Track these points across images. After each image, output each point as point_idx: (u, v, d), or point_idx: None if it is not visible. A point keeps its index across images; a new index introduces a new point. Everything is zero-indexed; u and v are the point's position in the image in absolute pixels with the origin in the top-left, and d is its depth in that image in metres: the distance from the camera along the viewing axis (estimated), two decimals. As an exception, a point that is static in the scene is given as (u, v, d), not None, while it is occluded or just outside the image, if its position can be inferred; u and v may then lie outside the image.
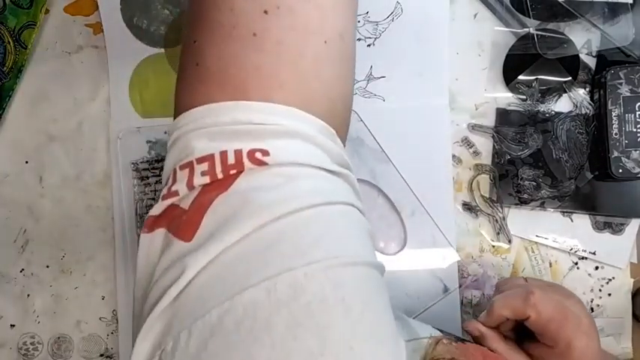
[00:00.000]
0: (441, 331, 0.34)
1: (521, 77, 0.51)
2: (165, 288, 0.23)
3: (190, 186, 0.24)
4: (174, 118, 0.27)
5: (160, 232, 0.25)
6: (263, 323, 0.21)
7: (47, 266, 0.52)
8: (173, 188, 0.25)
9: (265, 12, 0.26)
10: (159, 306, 0.23)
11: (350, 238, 0.26)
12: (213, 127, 0.25)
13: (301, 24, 0.26)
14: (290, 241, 0.23)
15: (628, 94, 0.48)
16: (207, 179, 0.24)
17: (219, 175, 0.24)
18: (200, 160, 0.25)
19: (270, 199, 0.24)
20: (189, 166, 0.25)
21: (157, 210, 0.26)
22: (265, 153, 0.25)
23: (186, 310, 0.23)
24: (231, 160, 0.24)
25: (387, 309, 0.25)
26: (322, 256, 0.23)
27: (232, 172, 0.24)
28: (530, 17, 0.50)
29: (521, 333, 0.41)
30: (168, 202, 0.25)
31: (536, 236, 0.51)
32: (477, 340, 0.41)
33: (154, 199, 0.51)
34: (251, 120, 0.25)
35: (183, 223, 0.24)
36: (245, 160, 0.24)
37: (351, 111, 0.32)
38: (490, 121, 0.52)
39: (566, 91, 0.51)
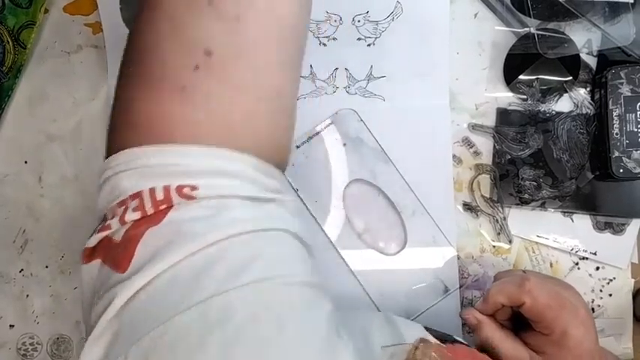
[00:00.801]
0: (435, 331, 0.34)
1: (521, 77, 0.51)
2: (99, 315, 0.24)
3: (122, 221, 0.25)
4: (105, 159, 0.28)
5: (96, 263, 0.26)
6: (197, 345, 0.22)
7: (46, 266, 0.52)
8: (106, 223, 0.26)
9: (197, 67, 0.26)
10: (94, 333, 0.24)
11: (281, 260, 0.26)
12: (142, 168, 0.26)
13: (233, 81, 0.27)
14: (221, 265, 0.24)
15: (629, 94, 0.48)
16: (138, 215, 0.25)
17: (150, 211, 0.25)
18: (132, 197, 0.26)
19: (201, 229, 0.25)
20: (122, 203, 0.26)
21: (92, 242, 0.27)
22: (194, 188, 0.25)
23: (123, 335, 0.23)
24: (159, 195, 0.25)
25: (322, 325, 0.25)
26: (253, 279, 0.24)
27: (162, 207, 0.25)
28: (530, 17, 0.50)
29: (517, 323, 0.41)
30: (102, 235, 0.26)
31: (537, 236, 0.51)
32: (474, 328, 0.41)
33: (153, 199, 0.51)
34: (179, 162, 0.26)
35: (116, 255, 0.25)
36: (174, 195, 0.25)
37: (291, 141, 0.33)
38: (490, 120, 0.51)
39: (566, 91, 0.51)
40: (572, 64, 0.50)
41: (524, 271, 0.43)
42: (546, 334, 0.38)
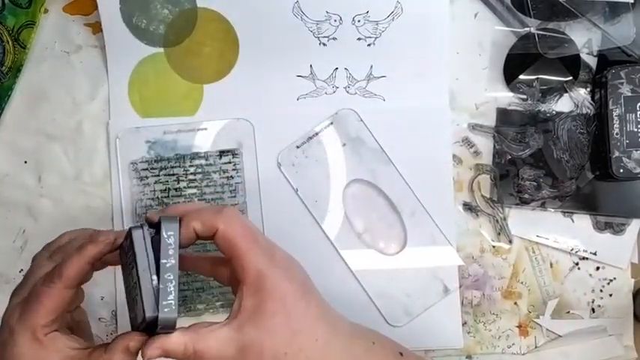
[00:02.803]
0: None
1: (521, 77, 0.51)
2: None
3: None
4: None
5: None
6: None
7: (46, 266, 0.52)
8: None
9: None
10: None
11: None
12: None
13: None
14: None
15: (629, 94, 0.48)
16: None
17: None
18: None
19: None
20: None
21: None
22: None
23: None
24: None
25: None
26: None
27: None
28: (530, 17, 0.50)
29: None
30: None
31: (537, 236, 0.51)
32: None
33: (153, 199, 0.51)
34: None
35: None
36: None
37: None
38: (491, 120, 0.51)
39: (567, 91, 0.51)
40: (572, 64, 0.50)
41: None
42: (242, 280, 0.35)
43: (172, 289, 0.33)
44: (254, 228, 0.37)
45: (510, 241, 0.51)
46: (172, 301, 0.33)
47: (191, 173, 0.51)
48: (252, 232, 0.36)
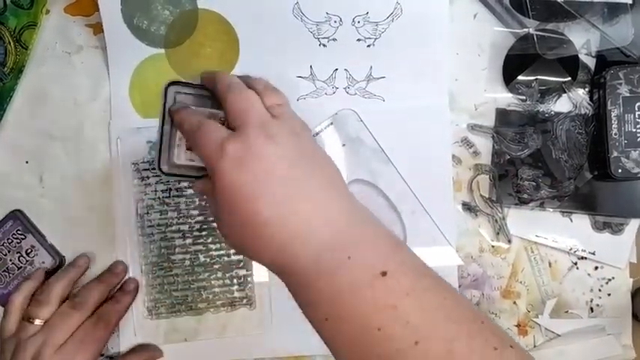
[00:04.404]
0: None
1: (520, 77, 0.51)
2: None
3: None
4: None
5: None
6: None
7: (48, 266, 0.52)
8: None
9: None
10: None
11: None
12: None
13: None
14: None
15: (627, 95, 0.48)
16: None
17: None
18: None
19: None
20: None
21: None
22: None
23: None
24: None
25: None
26: None
27: None
28: (529, 17, 0.50)
29: None
30: None
31: (536, 236, 0.51)
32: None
33: (154, 199, 0.51)
34: None
35: None
36: None
37: None
38: (490, 121, 0.52)
39: (565, 92, 0.51)
40: (570, 64, 0.50)
41: None
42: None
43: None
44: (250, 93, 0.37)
45: (509, 241, 0.51)
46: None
47: (192, 173, 0.51)
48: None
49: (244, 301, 0.51)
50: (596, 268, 0.52)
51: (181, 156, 0.39)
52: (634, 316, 0.52)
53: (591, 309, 0.52)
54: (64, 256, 0.52)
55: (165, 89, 0.40)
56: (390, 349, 0.31)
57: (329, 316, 0.32)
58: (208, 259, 0.51)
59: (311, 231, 0.33)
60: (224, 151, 0.33)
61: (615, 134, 0.48)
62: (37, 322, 0.46)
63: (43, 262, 0.51)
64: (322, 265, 0.33)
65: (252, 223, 0.33)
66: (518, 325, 0.52)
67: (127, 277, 0.51)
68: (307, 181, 0.34)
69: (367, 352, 0.31)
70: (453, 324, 0.31)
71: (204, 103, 0.40)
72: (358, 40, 0.50)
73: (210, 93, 0.40)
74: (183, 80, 0.41)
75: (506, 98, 0.52)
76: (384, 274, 0.32)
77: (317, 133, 0.51)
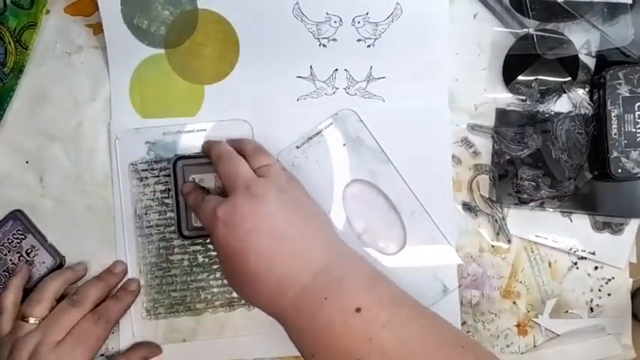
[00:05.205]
0: None
1: (520, 77, 0.51)
2: None
3: None
4: None
5: None
6: None
7: (47, 266, 0.52)
8: None
9: None
10: None
11: None
12: None
13: None
14: None
15: (627, 95, 0.48)
16: None
17: None
18: None
19: None
20: None
21: None
22: None
23: None
24: None
25: None
26: None
27: None
28: (529, 18, 0.50)
29: None
30: None
31: (536, 236, 0.51)
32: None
33: (153, 199, 0.51)
34: None
35: None
36: None
37: None
38: (490, 121, 0.52)
39: (565, 92, 0.51)
40: (570, 64, 0.50)
41: None
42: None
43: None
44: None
45: (509, 241, 0.51)
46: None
47: (192, 173, 0.51)
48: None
49: (243, 301, 0.51)
50: (596, 268, 0.52)
51: (198, 220, 0.48)
52: (634, 316, 0.52)
53: (591, 309, 0.52)
54: (64, 256, 0.52)
55: (174, 164, 0.49)
56: None
57: (315, 351, 0.37)
58: (207, 260, 0.51)
59: (292, 279, 0.38)
60: (216, 216, 0.40)
61: (615, 134, 0.48)
62: (32, 320, 0.46)
63: (43, 262, 0.51)
64: (303, 307, 0.37)
65: (243, 274, 0.39)
66: (518, 325, 0.52)
67: (126, 277, 0.51)
68: (291, 232, 0.39)
69: None
70: (431, 350, 0.34)
71: (210, 169, 0.48)
72: (358, 40, 0.50)
73: None
74: (187, 154, 0.50)
75: (506, 98, 0.52)
76: (358, 310, 0.36)
77: (317, 133, 0.51)
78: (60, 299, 0.48)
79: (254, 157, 0.44)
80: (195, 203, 0.44)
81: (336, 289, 0.37)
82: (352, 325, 0.36)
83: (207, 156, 0.47)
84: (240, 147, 0.45)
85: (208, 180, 0.49)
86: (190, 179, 0.49)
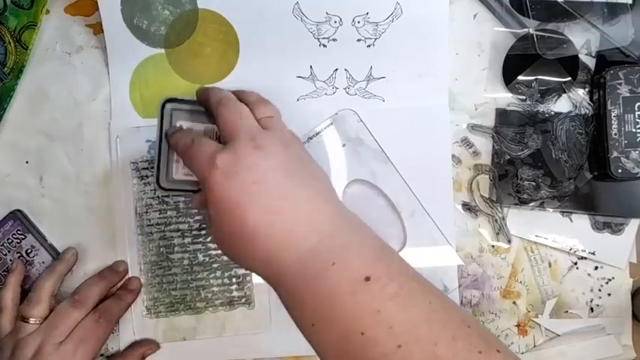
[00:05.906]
0: None
1: (520, 77, 0.51)
2: None
3: None
4: None
5: None
6: None
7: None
8: None
9: None
10: None
11: None
12: None
13: None
14: None
15: (627, 95, 0.48)
16: None
17: None
18: None
19: None
20: None
21: None
22: None
23: None
24: None
25: None
26: None
27: None
28: (529, 18, 0.50)
29: None
30: None
31: (536, 236, 0.51)
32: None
33: (153, 197, 0.51)
34: None
35: None
36: None
37: None
38: (490, 121, 0.52)
39: (565, 92, 0.51)
40: (570, 64, 0.50)
41: None
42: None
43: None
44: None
45: (509, 241, 0.51)
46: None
47: (192, 173, 0.51)
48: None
49: (243, 300, 0.51)
50: (596, 268, 0.52)
51: (179, 171, 0.42)
52: (634, 316, 0.52)
53: (591, 309, 0.52)
54: (63, 256, 0.52)
55: (162, 106, 0.42)
56: (374, 352, 0.31)
57: (315, 321, 0.33)
58: (207, 258, 0.51)
59: (296, 239, 0.34)
60: (214, 164, 0.35)
61: (615, 134, 0.48)
62: (32, 320, 0.46)
63: (43, 262, 0.51)
64: (307, 272, 0.34)
65: (240, 233, 0.34)
66: (518, 325, 0.52)
67: (126, 276, 0.51)
68: (294, 190, 0.35)
69: (352, 356, 0.32)
70: (437, 327, 0.32)
71: (200, 119, 0.42)
72: (358, 40, 0.50)
73: (206, 108, 0.42)
74: (179, 97, 0.42)
75: (506, 98, 0.52)
76: (367, 279, 0.33)
77: (317, 133, 0.51)
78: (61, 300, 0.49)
79: (257, 106, 0.39)
80: (187, 148, 0.38)
81: (345, 254, 0.34)
82: (360, 295, 0.32)
83: (203, 102, 0.42)
84: (242, 97, 0.41)
85: (197, 131, 0.44)
86: (177, 125, 0.43)
